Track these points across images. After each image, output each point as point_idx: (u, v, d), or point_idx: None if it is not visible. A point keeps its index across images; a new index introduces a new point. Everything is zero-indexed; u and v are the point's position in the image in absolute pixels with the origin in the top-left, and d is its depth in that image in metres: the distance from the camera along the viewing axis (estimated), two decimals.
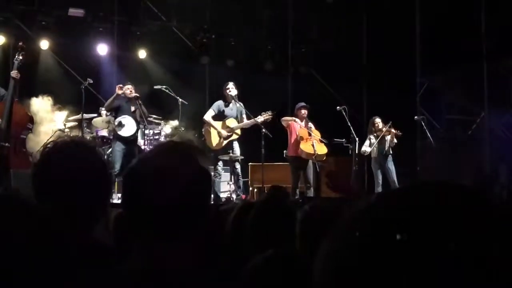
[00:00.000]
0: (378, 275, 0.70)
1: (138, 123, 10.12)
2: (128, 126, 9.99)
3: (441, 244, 0.68)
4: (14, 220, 1.27)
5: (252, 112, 10.29)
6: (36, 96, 10.45)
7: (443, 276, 0.67)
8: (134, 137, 10.08)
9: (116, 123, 9.98)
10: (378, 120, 11.03)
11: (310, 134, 10.35)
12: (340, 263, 0.73)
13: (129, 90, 10.10)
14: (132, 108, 10.11)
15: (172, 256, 1.49)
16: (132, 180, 1.54)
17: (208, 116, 10.31)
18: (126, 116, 10.02)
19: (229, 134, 10.19)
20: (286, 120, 10.57)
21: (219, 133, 10.20)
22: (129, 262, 1.52)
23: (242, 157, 10.34)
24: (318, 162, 10.45)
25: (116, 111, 10.16)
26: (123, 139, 9.94)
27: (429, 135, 11.07)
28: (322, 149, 10.44)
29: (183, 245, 1.51)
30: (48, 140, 10.02)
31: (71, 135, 9.42)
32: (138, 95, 10.19)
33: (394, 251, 0.70)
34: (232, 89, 10.29)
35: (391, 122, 10.84)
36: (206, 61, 13.20)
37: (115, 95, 10.03)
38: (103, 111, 10.66)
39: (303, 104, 10.61)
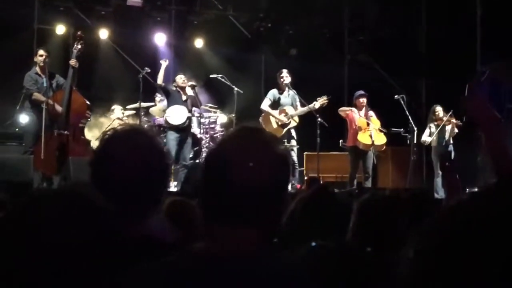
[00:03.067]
0: (471, 271, 0.70)
1: (189, 111, 10.15)
2: (178, 114, 9.99)
3: None
4: (79, 218, 1.28)
5: (308, 100, 10.22)
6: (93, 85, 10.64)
7: None
8: (185, 125, 10.06)
9: (166, 113, 10.05)
10: (438, 109, 10.78)
11: (368, 124, 10.21)
12: (431, 259, 0.75)
13: (181, 80, 10.16)
14: (184, 97, 10.15)
15: (247, 242, 1.49)
16: (212, 166, 1.53)
17: (265, 105, 10.30)
18: (177, 105, 10.05)
19: (287, 122, 10.14)
20: (343, 110, 10.46)
21: (278, 120, 10.17)
22: (202, 247, 1.52)
23: (298, 146, 10.30)
24: (376, 152, 10.32)
25: (167, 100, 10.22)
26: (175, 128, 9.98)
27: None
28: (380, 139, 10.27)
29: (259, 231, 1.51)
30: (106, 128, 10.23)
31: (130, 123, 9.56)
32: (194, 83, 10.25)
33: (489, 248, 0.70)
34: (286, 77, 10.25)
35: (452, 111, 10.58)
36: (260, 49, 13.20)
37: (164, 66, 10.07)
38: (158, 98, 10.78)
39: (361, 92, 10.46)
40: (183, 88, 10.16)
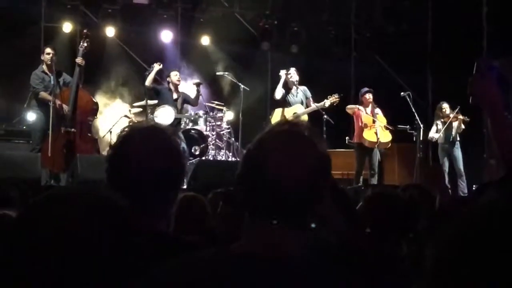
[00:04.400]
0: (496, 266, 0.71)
1: (178, 111, 10.03)
2: (166, 114, 9.85)
3: None
4: (96, 218, 1.28)
5: (315, 97, 10.22)
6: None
7: None
8: (173, 125, 9.78)
9: (155, 113, 9.97)
10: (445, 106, 10.77)
11: (374, 122, 10.21)
12: (457, 254, 0.75)
13: (177, 77, 10.10)
14: (175, 96, 10.09)
15: (283, 241, 1.46)
16: (254, 160, 1.49)
17: (278, 94, 10.28)
18: (166, 105, 9.94)
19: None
20: (351, 108, 10.46)
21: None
22: (240, 246, 1.49)
23: None
24: (382, 149, 10.32)
25: (158, 99, 10.17)
26: None
27: None
28: (386, 137, 10.28)
29: (300, 232, 1.49)
30: (113, 125, 10.27)
31: (142, 121, 9.56)
32: (199, 81, 10.25)
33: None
34: (293, 75, 10.25)
35: (459, 107, 10.56)
36: (266, 47, 13.18)
37: (155, 69, 10.03)
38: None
39: (367, 89, 10.46)
40: (176, 86, 10.11)
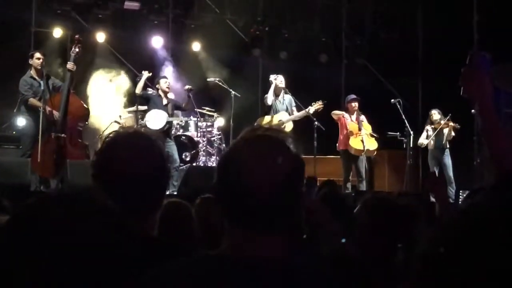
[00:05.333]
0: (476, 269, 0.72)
1: (170, 115, 9.99)
2: (157, 119, 9.78)
3: None
4: (88, 220, 1.28)
5: (305, 104, 10.25)
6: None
7: None
8: (165, 130, 9.78)
9: (145, 117, 9.93)
10: (434, 112, 10.84)
11: (360, 129, 10.24)
12: (441, 255, 0.76)
13: (166, 84, 10.05)
14: (165, 101, 10.06)
15: (264, 246, 1.46)
16: (227, 168, 1.50)
17: (270, 99, 10.33)
18: (157, 110, 9.88)
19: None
20: (336, 114, 10.48)
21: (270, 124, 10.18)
22: (220, 250, 1.50)
23: None
24: (371, 156, 10.34)
25: (148, 105, 10.14)
26: None
27: None
28: (372, 145, 10.32)
29: (276, 235, 1.48)
30: (103, 131, 10.24)
31: (131, 126, 9.53)
32: (191, 87, 10.25)
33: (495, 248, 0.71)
34: (281, 81, 10.32)
35: (450, 114, 10.62)
36: (257, 53, 13.21)
37: (145, 76, 10.02)
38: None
39: (353, 96, 10.51)
40: (165, 92, 10.09)
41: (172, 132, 10.32)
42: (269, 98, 10.29)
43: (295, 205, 1.51)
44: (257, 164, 1.46)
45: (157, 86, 10.10)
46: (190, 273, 1.44)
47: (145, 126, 9.82)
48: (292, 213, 1.51)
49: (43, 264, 1.22)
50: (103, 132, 10.35)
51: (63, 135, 8.66)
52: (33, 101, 8.73)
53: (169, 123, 9.93)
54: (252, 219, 1.46)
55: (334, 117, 10.49)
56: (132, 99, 10.78)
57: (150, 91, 10.16)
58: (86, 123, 9.69)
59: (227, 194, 1.50)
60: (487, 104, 2.33)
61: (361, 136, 10.20)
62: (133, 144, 1.96)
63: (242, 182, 1.45)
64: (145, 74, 10.01)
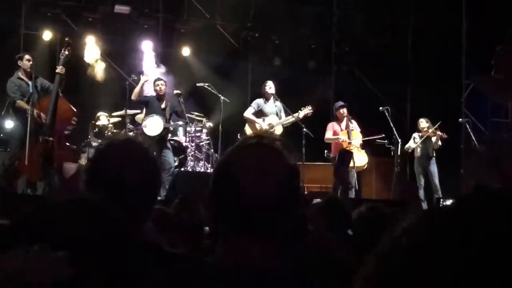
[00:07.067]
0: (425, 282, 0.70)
1: (167, 121, 10.04)
2: (155, 125, 9.79)
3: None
4: (90, 223, 1.29)
5: (295, 110, 10.28)
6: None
7: None
8: (161, 137, 9.79)
9: (143, 123, 9.93)
10: (422, 120, 10.93)
11: (350, 143, 10.29)
12: (389, 266, 0.75)
13: (159, 87, 10.07)
14: (163, 105, 10.08)
15: (257, 253, 1.47)
16: (222, 175, 1.51)
17: (248, 113, 10.37)
18: (154, 115, 9.89)
19: (270, 130, 10.16)
20: (329, 139, 10.48)
21: (260, 127, 10.21)
22: (214, 257, 1.51)
23: None
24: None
25: (146, 109, 10.12)
26: (150, 139, 9.50)
27: (473, 138, 10.85)
28: (361, 160, 10.39)
29: (272, 242, 1.49)
30: (90, 135, 10.22)
31: (123, 133, 9.54)
32: (180, 92, 10.24)
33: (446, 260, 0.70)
34: (271, 87, 10.34)
35: (440, 123, 10.69)
36: (250, 59, 13.25)
37: (142, 82, 10.02)
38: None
39: (341, 103, 10.54)
40: (162, 96, 10.10)
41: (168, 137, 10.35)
42: (248, 110, 10.35)
43: (290, 212, 1.52)
44: (254, 172, 1.47)
45: (154, 88, 10.10)
46: (187, 281, 1.44)
47: (138, 130, 9.85)
48: (287, 220, 1.52)
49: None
50: (90, 136, 10.34)
51: (51, 138, 8.61)
52: (21, 103, 8.67)
53: (166, 129, 9.95)
54: (247, 226, 1.47)
55: (329, 141, 10.51)
56: (120, 103, 10.75)
57: (148, 94, 10.16)
58: (74, 126, 9.65)
59: (223, 202, 1.50)
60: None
61: (351, 151, 10.21)
62: (125, 151, 1.99)
63: (238, 190, 1.46)
64: (143, 79, 10.02)
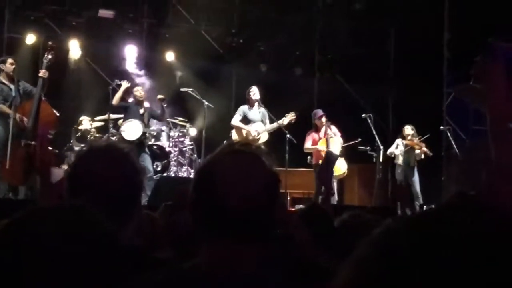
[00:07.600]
0: None
1: (146, 125, 10.03)
2: (133, 129, 9.77)
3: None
4: (83, 230, 1.29)
5: (278, 116, 10.29)
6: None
7: None
8: (140, 141, 9.74)
9: (122, 127, 9.90)
10: (407, 127, 11.00)
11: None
12: (366, 271, 0.75)
13: (138, 92, 10.10)
14: (141, 111, 10.06)
15: (239, 258, 1.49)
16: (204, 182, 1.54)
17: (236, 120, 10.31)
18: (133, 119, 9.87)
19: (257, 137, 10.16)
20: (308, 149, 10.49)
21: (248, 133, 10.18)
22: (195, 262, 1.53)
23: None
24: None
25: (124, 114, 10.13)
26: (129, 143, 9.36)
27: (454, 145, 10.94)
28: (339, 169, 10.40)
29: (252, 247, 1.51)
30: (73, 139, 10.17)
31: (104, 138, 9.51)
32: (163, 97, 10.23)
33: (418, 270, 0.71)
34: (255, 93, 10.32)
35: (428, 135, 10.79)
36: (234, 65, 13.26)
37: (124, 88, 10.03)
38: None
39: (320, 113, 10.42)
40: (140, 101, 10.10)
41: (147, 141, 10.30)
42: (234, 118, 10.36)
43: (270, 217, 1.55)
44: (234, 178, 1.50)
45: (132, 94, 10.10)
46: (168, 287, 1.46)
47: (120, 135, 9.80)
48: (267, 226, 1.55)
49: (32, 281, 1.21)
50: (73, 140, 10.30)
51: (33, 142, 8.54)
52: (2, 107, 8.57)
53: (145, 134, 9.91)
54: (228, 231, 1.49)
55: (309, 151, 10.52)
56: (104, 107, 10.71)
57: (128, 100, 10.15)
58: (56, 130, 9.59)
59: (204, 207, 1.53)
60: (497, 97, 2.24)
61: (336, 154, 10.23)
62: (106, 156, 1.99)
63: (219, 195, 1.48)
64: (124, 85, 10.00)
